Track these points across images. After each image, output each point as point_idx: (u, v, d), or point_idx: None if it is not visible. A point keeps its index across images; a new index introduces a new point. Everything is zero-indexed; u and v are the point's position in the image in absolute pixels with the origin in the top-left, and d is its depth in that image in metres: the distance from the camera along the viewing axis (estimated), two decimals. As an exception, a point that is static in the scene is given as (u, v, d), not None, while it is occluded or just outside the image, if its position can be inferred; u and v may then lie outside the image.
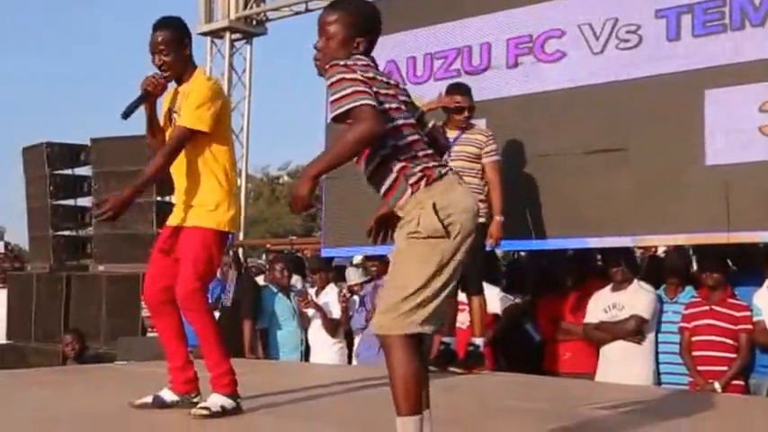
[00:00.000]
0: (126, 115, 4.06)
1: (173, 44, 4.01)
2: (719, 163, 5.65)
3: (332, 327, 7.28)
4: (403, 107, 2.97)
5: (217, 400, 3.94)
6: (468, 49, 6.91)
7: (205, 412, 3.90)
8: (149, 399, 4.11)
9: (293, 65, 67.09)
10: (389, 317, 2.80)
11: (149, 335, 8.74)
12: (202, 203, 4.05)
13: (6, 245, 15.68)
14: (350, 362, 7.21)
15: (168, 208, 10.00)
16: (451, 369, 5.56)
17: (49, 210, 10.71)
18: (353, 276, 7.47)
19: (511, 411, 4.39)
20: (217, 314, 7.35)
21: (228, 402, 3.95)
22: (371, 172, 2.93)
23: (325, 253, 7.91)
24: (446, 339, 5.64)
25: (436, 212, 2.81)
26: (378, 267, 7.24)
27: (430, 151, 2.96)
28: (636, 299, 5.82)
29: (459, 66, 6.97)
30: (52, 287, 10.24)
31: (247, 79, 11.58)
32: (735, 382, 5.45)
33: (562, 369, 6.12)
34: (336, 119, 2.82)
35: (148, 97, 4.07)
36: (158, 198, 10.09)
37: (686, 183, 5.78)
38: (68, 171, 11.04)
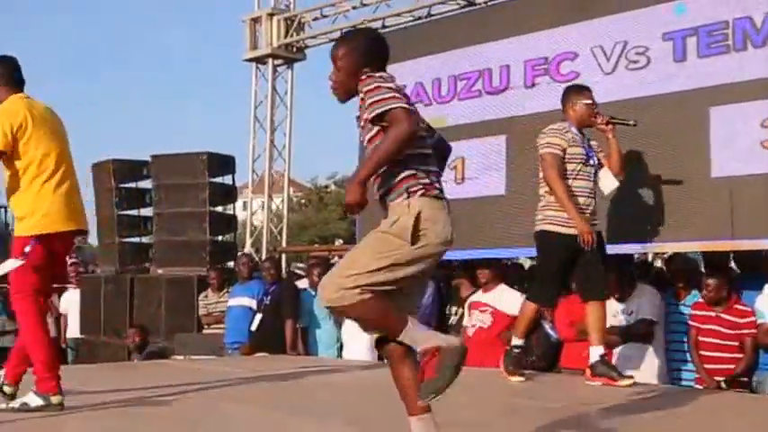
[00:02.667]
0: None
1: None
2: (724, 175, 5.42)
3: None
4: (421, 122, 2.87)
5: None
6: (489, 71, 6.74)
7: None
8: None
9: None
10: (334, 286, 2.69)
11: (204, 332, 8.64)
12: (18, 216, 4.05)
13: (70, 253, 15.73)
14: (380, 359, 7.01)
15: (222, 217, 10.14)
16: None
17: (116, 219, 10.66)
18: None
19: (525, 410, 4.22)
20: (259, 315, 7.33)
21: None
22: (381, 173, 2.81)
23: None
24: (518, 342, 5.06)
25: (417, 220, 2.70)
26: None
27: (435, 169, 2.87)
28: (642, 302, 5.59)
29: (480, 86, 6.80)
30: (118, 288, 10.21)
31: (289, 101, 11.49)
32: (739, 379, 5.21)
33: (578, 366, 5.88)
34: (374, 120, 2.75)
35: None
36: (212, 208, 10.00)
37: (693, 193, 5.55)
38: (132, 184, 10.98)
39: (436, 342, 2.66)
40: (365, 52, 2.93)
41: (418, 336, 2.69)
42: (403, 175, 2.77)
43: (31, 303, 3.99)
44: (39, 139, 4.03)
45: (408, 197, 2.75)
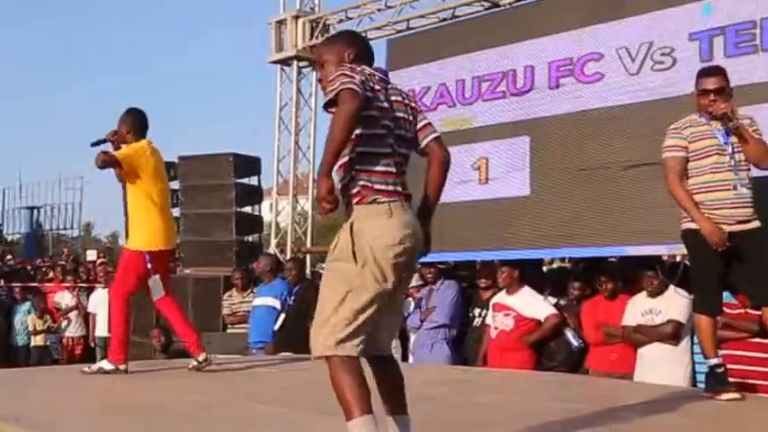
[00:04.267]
0: (93, 145, 5.27)
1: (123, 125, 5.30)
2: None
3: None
4: (388, 122, 2.74)
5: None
6: (513, 72, 6.69)
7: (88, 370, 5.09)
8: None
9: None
10: (315, 340, 2.66)
11: (229, 331, 8.64)
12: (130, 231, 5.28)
13: (98, 253, 15.79)
14: (404, 359, 6.97)
15: (248, 218, 10.15)
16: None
17: (143, 219, 10.67)
18: (411, 281, 7.22)
19: (544, 411, 4.09)
20: (283, 315, 7.31)
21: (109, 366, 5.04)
22: (336, 170, 2.71)
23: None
24: (714, 361, 4.36)
25: (351, 235, 2.63)
26: (432, 273, 6.99)
27: (390, 170, 2.71)
28: (672, 304, 5.47)
29: (504, 88, 6.74)
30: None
31: (313, 102, 11.47)
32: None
33: (604, 369, 5.80)
34: (326, 105, 2.66)
35: (106, 142, 5.27)
36: (238, 209, 10.00)
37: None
38: (159, 185, 10.97)
39: None
40: (344, 41, 2.97)
41: None
42: (349, 175, 2.69)
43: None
44: (149, 171, 5.18)
45: (348, 203, 2.69)
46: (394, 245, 2.64)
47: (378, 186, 2.68)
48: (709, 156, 4.32)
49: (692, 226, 4.36)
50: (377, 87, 2.75)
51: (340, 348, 2.61)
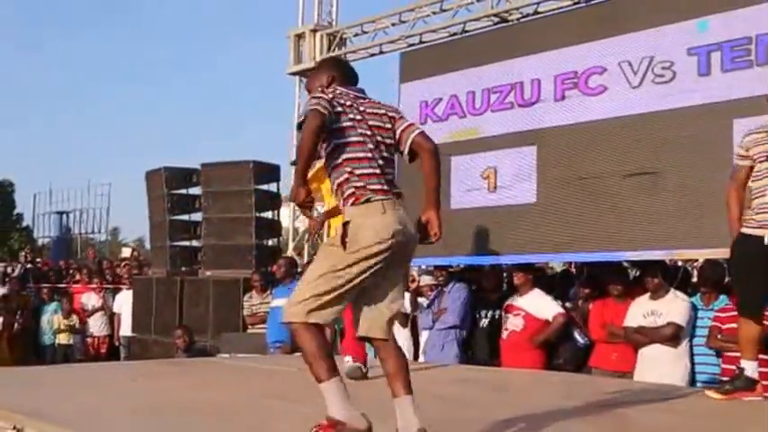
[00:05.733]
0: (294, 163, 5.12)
1: None
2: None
3: (404, 318, 7.11)
4: (364, 131, 2.95)
5: None
6: (521, 84, 6.78)
7: None
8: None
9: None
10: (288, 307, 2.85)
11: (248, 331, 8.77)
12: None
13: (132, 251, 15.92)
14: (415, 359, 7.08)
15: (267, 223, 10.28)
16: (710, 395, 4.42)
17: (167, 224, 10.85)
18: (427, 280, 7.33)
19: (556, 409, 4.20)
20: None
21: None
22: (329, 173, 2.99)
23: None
24: (744, 364, 4.37)
25: (345, 227, 2.84)
26: (443, 276, 7.11)
27: (375, 171, 2.92)
28: (672, 307, 5.58)
29: (512, 99, 6.83)
30: (169, 289, 10.35)
31: (330, 112, 11.58)
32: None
33: (606, 367, 5.91)
34: (298, 127, 2.93)
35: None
36: (257, 214, 10.15)
37: (716, 203, 5.51)
38: (183, 191, 11.13)
39: (342, 416, 2.81)
40: (324, 66, 3.29)
41: (333, 399, 2.82)
42: (339, 180, 2.93)
43: None
44: None
45: (344, 204, 2.92)
46: (386, 239, 2.84)
47: (370, 186, 2.88)
48: (762, 161, 4.31)
49: (743, 230, 4.34)
50: (348, 104, 2.97)
51: (309, 317, 2.81)
